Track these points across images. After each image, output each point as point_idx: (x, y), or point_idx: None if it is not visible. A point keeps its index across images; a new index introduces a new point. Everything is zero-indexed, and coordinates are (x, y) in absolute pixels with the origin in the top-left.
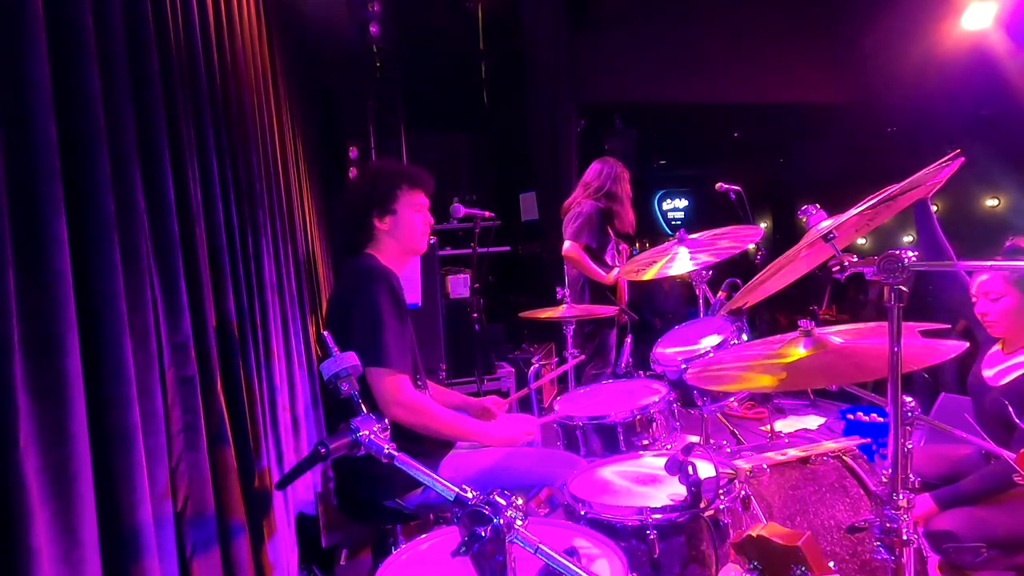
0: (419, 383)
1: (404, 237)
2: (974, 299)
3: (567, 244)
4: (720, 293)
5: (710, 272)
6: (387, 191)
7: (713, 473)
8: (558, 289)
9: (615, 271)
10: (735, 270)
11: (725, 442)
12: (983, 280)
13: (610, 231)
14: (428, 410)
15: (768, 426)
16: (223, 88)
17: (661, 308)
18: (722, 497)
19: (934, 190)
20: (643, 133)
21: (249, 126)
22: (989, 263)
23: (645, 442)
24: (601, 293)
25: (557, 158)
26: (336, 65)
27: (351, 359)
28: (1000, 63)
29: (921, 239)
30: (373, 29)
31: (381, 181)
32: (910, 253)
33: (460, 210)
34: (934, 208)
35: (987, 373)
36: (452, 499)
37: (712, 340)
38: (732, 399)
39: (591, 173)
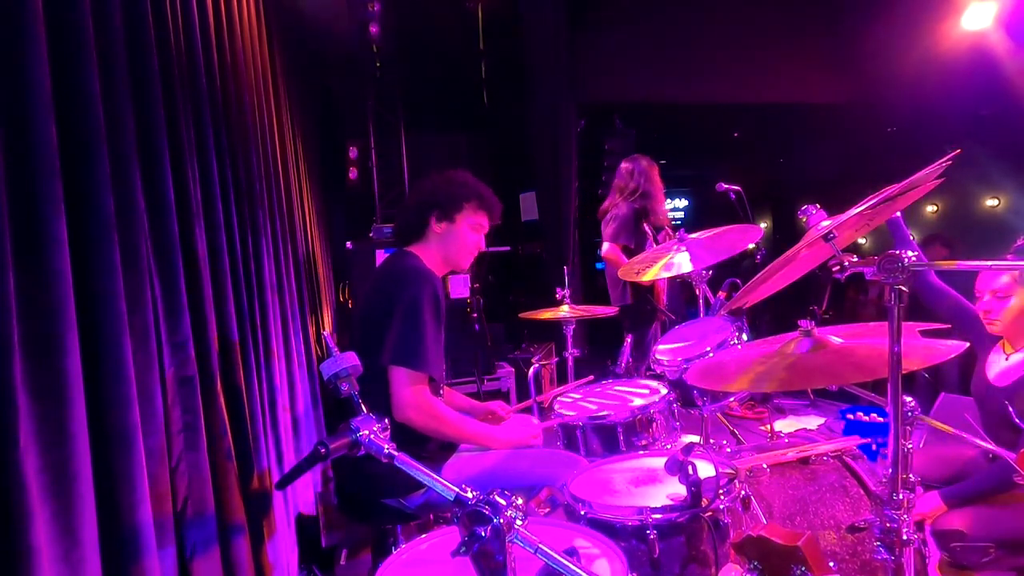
0: (438, 388)
1: (451, 248)
2: (977, 296)
3: (606, 246)
4: (720, 293)
5: (710, 272)
6: (455, 198)
7: (713, 473)
8: (558, 289)
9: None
10: (735, 270)
11: (725, 442)
12: (991, 277)
13: (647, 229)
14: (441, 416)
15: (768, 426)
16: (223, 88)
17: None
18: (722, 497)
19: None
20: (643, 133)
21: (249, 126)
22: (989, 263)
23: (645, 442)
24: (641, 293)
25: (557, 158)
26: (336, 65)
27: (351, 359)
28: (1000, 63)
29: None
30: (373, 29)
31: (454, 187)
32: (910, 253)
33: None
34: (932, 208)
35: (990, 374)
36: (452, 499)
37: (713, 340)
38: (732, 399)
39: (622, 176)
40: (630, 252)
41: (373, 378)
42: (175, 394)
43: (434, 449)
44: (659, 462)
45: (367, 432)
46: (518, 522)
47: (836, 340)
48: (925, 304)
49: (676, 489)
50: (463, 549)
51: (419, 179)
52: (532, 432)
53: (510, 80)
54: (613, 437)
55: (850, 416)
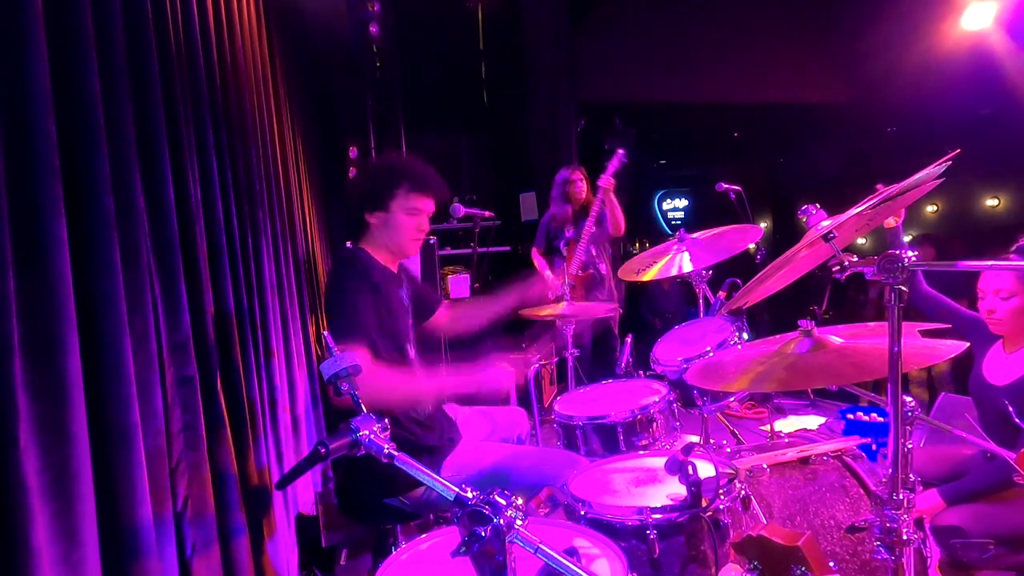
0: (401, 353)
1: (391, 238)
2: (980, 296)
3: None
4: (720, 293)
5: (710, 272)
6: (384, 187)
7: (713, 473)
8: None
9: (547, 273)
10: (735, 270)
11: (725, 442)
12: (994, 277)
13: (566, 231)
14: (383, 383)
15: (768, 426)
16: (223, 88)
17: (661, 308)
18: (722, 497)
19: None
20: (643, 133)
21: (249, 126)
22: (989, 263)
23: (645, 442)
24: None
25: (557, 158)
26: (336, 65)
27: (351, 359)
28: (1000, 63)
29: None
30: (373, 29)
31: (381, 176)
32: (910, 253)
33: (460, 210)
34: (932, 208)
35: (989, 373)
36: (452, 499)
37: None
38: (732, 399)
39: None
40: (546, 255)
41: None
42: (175, 394)
43: (435, 442)
44: (659, 462)
45: (367, 432)
46: (518, 522)
47: (836, 340)
48: (921, 312)
49: (676, 489)
50: (463, 549)
51: (341, 191)
52: (500, 377)
53: (510, 80)
54: (613, 437)
55: (850, 416)
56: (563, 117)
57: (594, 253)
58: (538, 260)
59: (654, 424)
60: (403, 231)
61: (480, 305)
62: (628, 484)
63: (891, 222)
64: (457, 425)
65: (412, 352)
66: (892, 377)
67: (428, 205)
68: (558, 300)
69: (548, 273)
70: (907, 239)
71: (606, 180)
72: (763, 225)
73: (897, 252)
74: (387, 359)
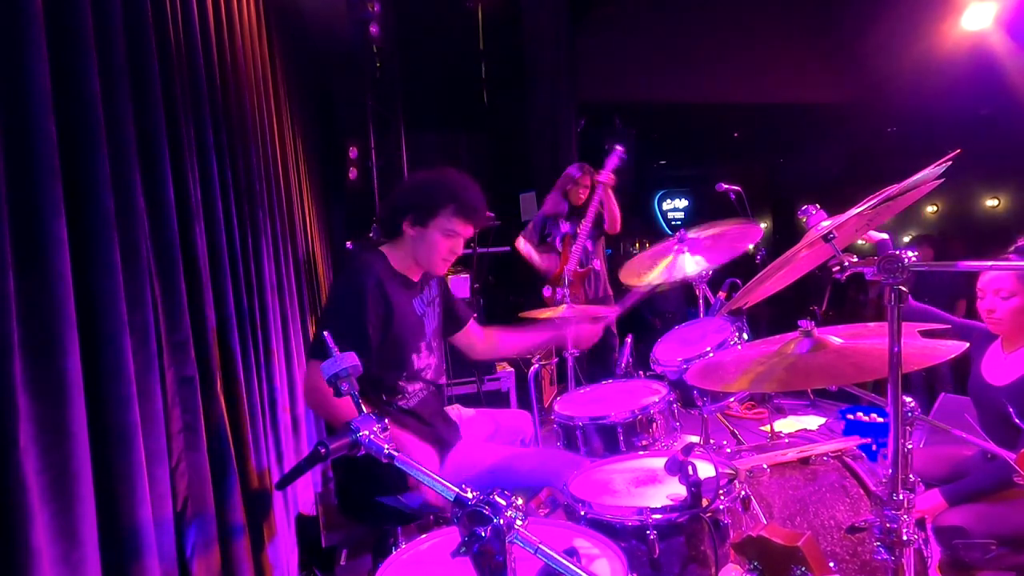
0: (399, 364)
1: (421, 253)
2: (980, 296)
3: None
4: (720, 293)
5: (710, 272)
6: (431, 203)
7: (713, 473)
8: (558, 289)
9: (536, 257)
10: (735, 270)
11: (725, 442)
12: (994, 277)
13: (561, 225)
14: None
15: (768, 426)
16: (223, 88)
17: (661, 308)
18: (722, 497)
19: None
20: (643, 133)
21: (249, 126)
22: (989, 263)
23: (645, 443)
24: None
25: (557, 158)
26: (336, 65)
27: (351, 359)
28: (1000, 63)
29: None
30: (373, 29)
31: (432, 191)
32: (910, 253)
33: None
34: (932, 208)
35: (988, 373)
36: (452, 499)
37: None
38: (732, 399)
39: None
40: (539, 248)
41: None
42: (175, 394)
43: (434, 444)
44: (659, 462)
45: (367, 432)
46: (518, 522)
47: (836, 340)
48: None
49: (676, 489)
50: (463, 549)
51: (412, 173)
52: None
53: (510, 80)
54: (613, 437)
55: (850, 416)
56: (563, 117)
57: (590, 250)
58: (525, 247)
59: (654, 424)
60: (435, 251)
61: (518, 336)
62: (628, 484)
63: (883, 236)
64: (459, 427)
65: (419, 362)
66: (892, 377)
67: (467, 231)
68: (556, 303)
69: (535, 256)
70: (905, 239)
71: (606, 176)
72: (763, 225)
73: (897, 252)
74: (379, 366)
